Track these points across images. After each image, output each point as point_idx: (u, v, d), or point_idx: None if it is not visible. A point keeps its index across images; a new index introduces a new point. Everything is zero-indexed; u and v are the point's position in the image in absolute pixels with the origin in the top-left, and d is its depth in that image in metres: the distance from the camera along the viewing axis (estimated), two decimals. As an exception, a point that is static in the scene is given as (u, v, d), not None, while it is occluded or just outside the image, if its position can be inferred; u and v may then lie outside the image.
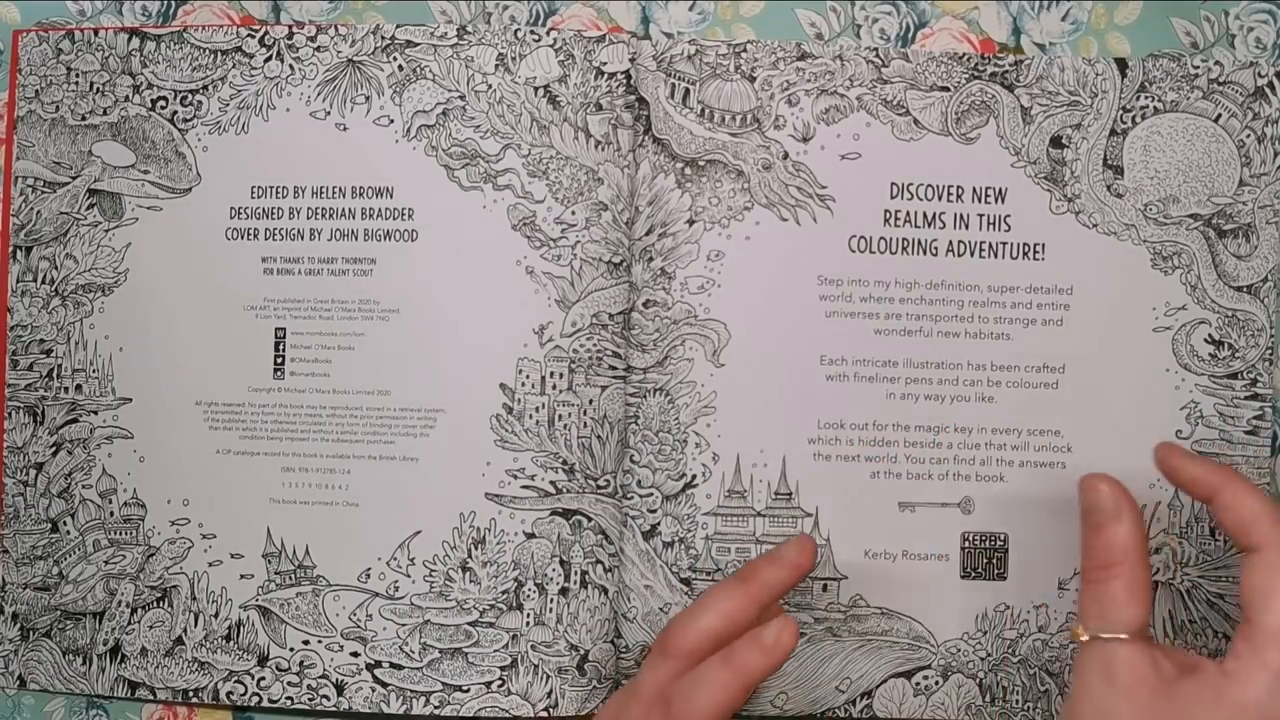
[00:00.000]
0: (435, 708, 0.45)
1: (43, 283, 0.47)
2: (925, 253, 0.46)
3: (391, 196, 0.46)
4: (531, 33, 0.46)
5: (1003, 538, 0.46)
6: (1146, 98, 0.46)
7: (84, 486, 0.47)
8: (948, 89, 0.46)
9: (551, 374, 0.45)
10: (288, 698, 0.46)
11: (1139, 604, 0.34)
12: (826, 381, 0.46)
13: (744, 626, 0.39)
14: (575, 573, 0.45)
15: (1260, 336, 0.46)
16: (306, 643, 0.46)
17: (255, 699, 0.46)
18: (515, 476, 0.45)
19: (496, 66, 0.46)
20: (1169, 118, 0.46)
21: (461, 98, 0.46)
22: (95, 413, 0.47)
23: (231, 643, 0.46)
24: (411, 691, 0.46)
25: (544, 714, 0.45)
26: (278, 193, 0.47)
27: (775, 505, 0.46)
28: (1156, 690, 0.33)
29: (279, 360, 0.47)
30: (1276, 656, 0.32)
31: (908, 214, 0.46)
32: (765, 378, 0.46)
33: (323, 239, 0.47)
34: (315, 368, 0.46)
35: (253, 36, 0.47)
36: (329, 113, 0.46)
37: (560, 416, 0.45)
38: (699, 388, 0.45)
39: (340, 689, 0.46)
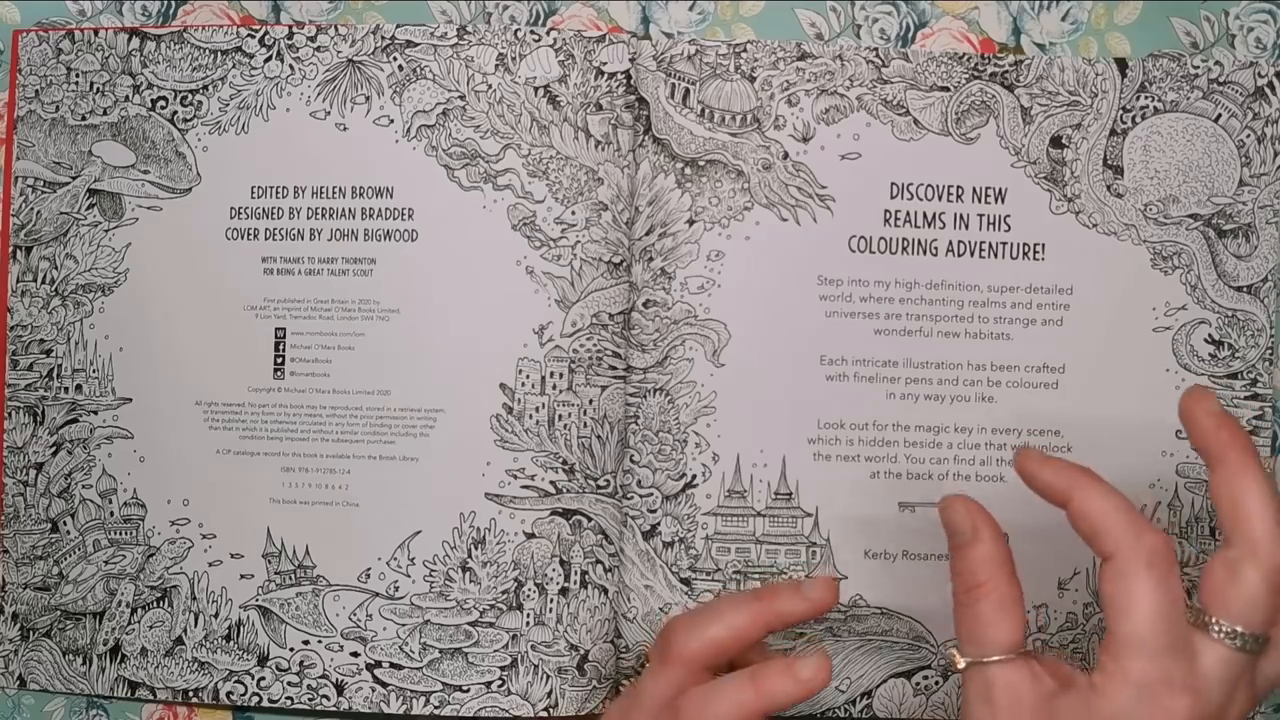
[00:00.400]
0: (435, 708, 0.45)
1: (43, 283, 0.47)
2: (925, 253, 0.46)
3: (391, 196, 0.46)
4: (531, 33, 0.46)
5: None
6: (1146, 98, 0.46)
7: (84, 486, 0.47)
8: (948, 89, 0.46)
9: (551, 374, 0.45)
10: (288, 698, 0.46)
11: (1010, 621, 0.33)
12: (826, 381, 0.46)
13: (746, 646, 0.39)
14: (575, 573, 0.45)
15: (1260, 336, 0.46)
16: (306, 643, 0.46)
17: (255, 699, 0.46)
18: (515, 476, 0.45)
19: (496, 66, 0.46)
20: (1169, 118, 0.46)
21: (461, 98, 0.46)
22: (95, 413, 0.47)
23: (231, 643, 0.46)
24: (411, 691, 0.46)
25: (544, 714, 0.45)
26: (278, 193, 0.47)
27: (775, 505, 0.46)
28: (1036, 709, 0.32)
29: (279, 360, 0.47)
30: (1136, 667, 0.31)
31: (908, 214, 0.46)
32: (765, 378, 0.45)
33: (323, 239, 0.47)
34: (315, 368, 0.46)
35: (253, 36, 0.47)
36: (329, 113, 0.46)
37: (560, 416, 0.45)
38: (699, 388, 0.45)
39: (340, 689, 0.46)
